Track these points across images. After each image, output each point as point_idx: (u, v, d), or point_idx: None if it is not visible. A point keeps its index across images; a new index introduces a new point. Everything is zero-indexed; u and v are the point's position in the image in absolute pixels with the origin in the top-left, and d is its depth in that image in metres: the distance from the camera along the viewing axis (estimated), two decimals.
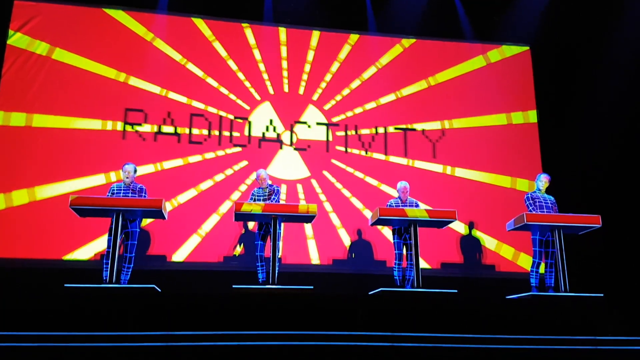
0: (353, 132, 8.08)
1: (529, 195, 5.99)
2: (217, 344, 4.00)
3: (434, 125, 8.28)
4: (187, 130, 7.65)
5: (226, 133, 7.78)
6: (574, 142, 8.26)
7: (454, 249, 7.77)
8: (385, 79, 8.35)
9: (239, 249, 7.29)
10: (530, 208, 5.88)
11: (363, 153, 8.03)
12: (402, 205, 6.12)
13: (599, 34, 8.31)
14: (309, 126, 8.01)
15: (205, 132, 7.72)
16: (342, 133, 8.05)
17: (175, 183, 7.40)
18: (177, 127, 7.63)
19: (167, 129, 7.60)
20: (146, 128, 7.54)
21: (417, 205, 6.19)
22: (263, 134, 7.88)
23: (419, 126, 8.25)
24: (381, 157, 8.03)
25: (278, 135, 7.91)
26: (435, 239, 7.37)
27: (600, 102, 8.12)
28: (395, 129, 8.20)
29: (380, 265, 7.45)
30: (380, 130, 8.13)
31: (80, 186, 7.12)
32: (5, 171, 6.98)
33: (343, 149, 7.98)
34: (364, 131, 8.11)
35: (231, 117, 7.85)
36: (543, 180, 6.01)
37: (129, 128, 7.49)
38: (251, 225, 7.34)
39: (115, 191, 5.63)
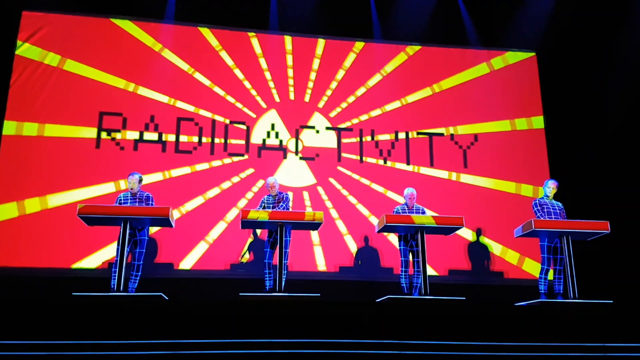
0: (369, 138, 8.06)
1: (537, 201, 5.96)
2: (224, 352, 4.00)
3: (440, 131, 8.27)
4: (194, 139, 7.68)
5: (219, 140, 7.74)
6: (581, 148, 8.23)
7: (461, 255, 7.74)
8: (391, 86, 8.36)
9: (246, 256, 7.29)
10: (539, 214, 5.85)
11: (381, 162, 8.00)
12: (408, 212, 6.10)
13: (605, 39, 8.30)
14: (317, 131, 8.00)
15: (219, 140, 7.74)
16: (348, 140, 8.05)
17: (182, 191, 7.42)
18: (186, 135, 7.67)
19: (175, 138, 7.64)
20: (153, 136, 7.58)
21: (423, 212, 6.18)
22: (264, 140, 7.87)
23: (426, 133, 8.25)
24: (389, 164, 8.03)
25: (281, 142, 7.90)
26: (442, 246, 7.35)
27: (607, 107, 8.10)
28: (418, 134, 8.18)
29: (387, 272, 7.43)
30: (385, 136, 8.13)
31: (89, 195, 7.15)
32: (14, 180, 7.03)
33: (349, 156, 7.98)
34: (377, 137, 8.11)
35: (225, 120, 7.83)
36: (551, 187, 5.99)
37: (107, 136, 7.53)
38: (259, 232, 7.35)
39: (122, 200, 5.67)
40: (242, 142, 7.83)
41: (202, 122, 7.75)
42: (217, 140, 7.75)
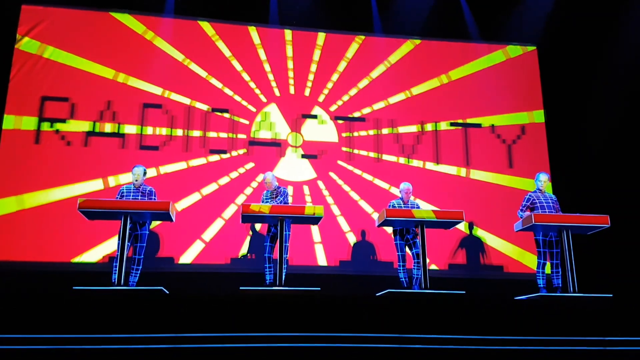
0: (390, 130, 8.03)
1: (528, 196, 5.98)
2: (225, 346, 4.01)
3: (442, 126, 8.26)
4: (193, 132, 7.67)
5: (197, 133, 7.64)
6: (581, 142, 8.22)
7: (465, 250, 7.74)
8: (390, 80, 8.35)
9: (245, 251, 7.29)
10: (523, 208, 5.87)
11: (402, 161, 7.98)
12: (404, 206, 6.11)
13: (605, 33, 8.28)
14: (322, 122, 7.96)
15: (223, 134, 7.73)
16: (349, 134, 8.04)
17: (182, 185, 7.42)
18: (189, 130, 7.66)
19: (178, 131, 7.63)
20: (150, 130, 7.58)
21: (418, 207, 6.18)
22: (254, 132, 7.81)
23: (426, 127, 8.24)
24: (384, 157, 8.03)
25: (276, 135, 7.87)
26: (442, 240, 7.36)
27: (607, 101, 8.08)
28: (451, 124, 8.15)
29: (387, 266, 7.44)
30: (394, 129, 8.13)
31: (90, 189, 7.15)
32: (15, 174, 7.03)
33: (348, 150, 7.98)
34: (384, 131, 8.10)
35: (204, 106, 7.72)
36: (542, 180, 5.99)
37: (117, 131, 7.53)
38: (258, 227, 7.36)
39: (124, 193, 5.66)
40: (225, 135, 7.76)
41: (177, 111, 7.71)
42: (197, 133, 7.67)
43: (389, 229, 7.49)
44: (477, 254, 7.74)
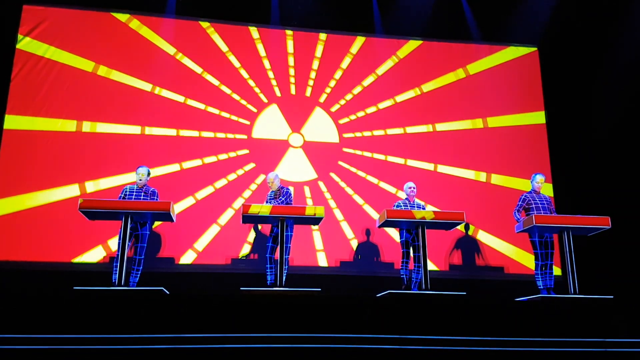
0: (390, 131, 8.06)
1: (524, 196, 5.98)
2: (225, 346, 4.01)
3: (443, 127, 8.26)
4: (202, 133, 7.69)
5: (198, 134, 7.74)
6: (582, 143, 8.22)
7: (460, 251, 7.74)
8: (391, 82, 8.34)
9: (245, 252, 7.28)
10: (518, 209, 5.88)
11: (403, 161, 7.96)
12: (409, 206, 6.11)
13: (607, 34, 8.28)
14: (323, 122, 7.97)
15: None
16: (351, 134, 8.04)
17: (184, 185, 7.41)
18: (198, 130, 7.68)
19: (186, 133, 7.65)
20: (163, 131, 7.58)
21: (423, 208, 6.17)
22: (255, 133, 7.85)
23: (428, 128, 8.24)
24: (391, 159, 8.04)
25: (276, 136, 7.88)
26: (443, 241, 7.35)
27: (608, 101, 8.08)
28: (451, 125, 8.09)
29: (387, 267, 7.44)
30: (394, 130, 8.13)
31: (90, 189, 7.15)
32: (15, 174, 7.03)
33: (352, 150, 7.98)
34: (384, 132, 8.09)
35: (205, 106, 7.78)
36: (538, 180, 6.00)
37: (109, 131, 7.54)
38: (261, 227, 7.36)
39: (127, 193, 5.66)
40: (226, 136, 7.82)
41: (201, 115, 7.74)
42: (198, 134, 7.72)
43: (389, 229, 7.53)
44: (473, 254, 7.74)
